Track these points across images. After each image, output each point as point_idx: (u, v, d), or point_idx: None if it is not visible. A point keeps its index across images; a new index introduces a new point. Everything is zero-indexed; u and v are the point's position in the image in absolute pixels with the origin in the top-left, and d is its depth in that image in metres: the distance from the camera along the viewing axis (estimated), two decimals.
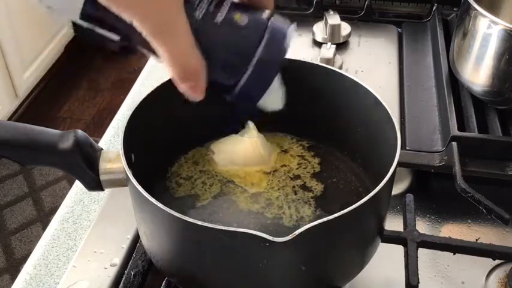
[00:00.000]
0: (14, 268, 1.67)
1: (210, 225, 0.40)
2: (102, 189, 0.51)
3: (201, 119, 0.58)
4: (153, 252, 0.50)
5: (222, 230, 0.40)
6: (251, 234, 0.39)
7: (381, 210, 0.49)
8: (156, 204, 0.42)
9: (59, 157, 0.49)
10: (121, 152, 0.47)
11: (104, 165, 0.50)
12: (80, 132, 0.50)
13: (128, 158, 0.47)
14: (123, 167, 0.46)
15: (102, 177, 0.50)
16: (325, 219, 0.40)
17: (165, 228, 0.45)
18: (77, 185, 0.69)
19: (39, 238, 0.63)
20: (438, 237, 0.56)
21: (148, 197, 0.42)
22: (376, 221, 0.49)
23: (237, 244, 0.41)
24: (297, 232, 0.38)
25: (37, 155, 0.50)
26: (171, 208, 0.42)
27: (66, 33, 2.40)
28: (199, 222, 0.40)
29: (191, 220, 0.40)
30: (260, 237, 0.38)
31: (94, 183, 0.50)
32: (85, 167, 0.49)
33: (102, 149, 0.51)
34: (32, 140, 0.49)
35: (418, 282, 0.51)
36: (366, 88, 0.53)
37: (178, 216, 0.41)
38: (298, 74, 0.56)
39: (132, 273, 0.54)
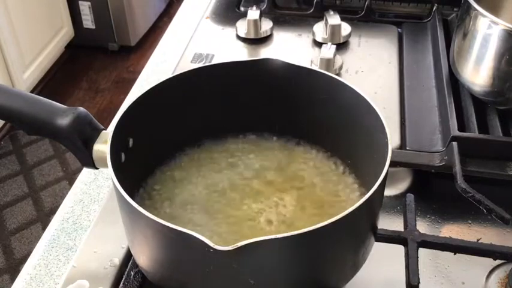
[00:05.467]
0: (13, 268, 1.67)
1: (160, 220, 0.41)
2: (96, 168, 0.53)
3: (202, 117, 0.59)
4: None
5: (171, 228, 0.40)
6: (196, 237, 0.39)
7: (370, 216, 0.49)
8: (119, 188, 0.43)
9: (56, 132, 0.51)
10: (109, 142, 0.48)
11: (98, 146, 0.51)
12: (81, 110, 0.51)
13: (125, 142, 0.49)
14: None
15: (95, 157, 0.51)
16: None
17: (127, 216, 0.47)
18: (77, 185, 0.68)
19: (39, 238, 0.63)
20: (439, 237, 0.56)
21: (114, 178, 0.44)
22: (367, 224, 0.48)
23: (185, 245, 0.41)
24: (239, 244, 0.38)
25: (37, 127, 0.52)
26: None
27: (66, 33, 2.40)
28: (150, 216, 0.41)
29: (147, 214, 0.41)
30: (204, 242, 0.38)
31: (88, 161, 0.52)
32: (80, 144, 0.51)
33: (104, 129, 0.52)
34: (35, 111, 0.51)
35: (419, 282, 0.50)
36: (355, 91, 0.53)
37: (135, 207, 0.42)
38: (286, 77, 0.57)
39: (132, 273, 0.54)
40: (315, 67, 0.79)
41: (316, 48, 0.87)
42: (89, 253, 0.58)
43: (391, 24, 0.94)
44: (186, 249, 0.42)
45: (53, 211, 1.82)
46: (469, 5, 0.68)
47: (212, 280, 0.44)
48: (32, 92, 2.27)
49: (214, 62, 0.84)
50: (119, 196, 0.45)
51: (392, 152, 0.48)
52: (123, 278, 0.54)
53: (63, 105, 0.52)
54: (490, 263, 0.56)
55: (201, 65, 0.58)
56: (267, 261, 0.42)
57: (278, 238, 0.39)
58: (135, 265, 0.55)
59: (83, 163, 0.53)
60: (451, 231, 0.62)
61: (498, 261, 0.56)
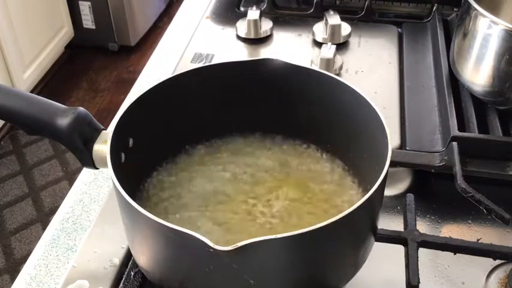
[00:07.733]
0: (13, 268, 1.67)
1: (160, 220, 0.41)
2: (96, 168, 0.53)
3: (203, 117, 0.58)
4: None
5: (171, 228, 0.40)
6: (196, 237, 0.39)
7: (369, 217, 0.49)
8: (119, 188, 0.43)
9: (56, 132, 0.51)
10: (109, 142, 0.48)
11: (98, 146, 0.51)
12: (81, 110, 0.52)
13: (125, 142, 0.49)
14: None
15: (95, 157, 0.51)
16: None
17: (127, 216, 0.47)
18: (77, 185, 0.69)
19: (39, 238, 0.63)
20: (439, 237, 0.56)
21: (114, 178, 0.44)
22: (367, 224, 0.48)
23: (185, 245, 0.41)
24: (239, 244, 0.38)
25: (37, 127, 0.52)
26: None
27: (66, 33, 2.40)
28: (150, 216, 0.41)
29: (147, 214, 0.41)
30: (204, 242, 0.38)
31: (88, 161, 0.52)
32: (80, 144, 0.51)
33: (104, 129, 0.52)
34: (34, 111, 0.51)
35: (419, 282, 0.50)
36: (355, 91, 0.53)
37: (135, 207, 0.42)
38: (285, 77, 0.57)
39: (132, 273, 0.54)
40: (315, 67, 0.79)
41: (316, 48, 0.87)
42: (89, 253, 0.58)
43: (391, 24, 0.94)
44: (186, 249, 0.42)
45: (53, 211, 1.82)
46: (469, 5, 0.68)
47: (212, 280, 0.44)
48: (32, 92, 2.27)
49: (214, 62, 0.84)
50: (119, 196, 0.45)
51: (392, 152, 0.48)
52: (123, 278, 0.54)
53: (63, 105, 0.52)
54: (490, 263, 0.56)
55: (201, 65, 0.58)
56: (267, 261, 0.42)
57: (278, 238, 0.39)
58: (135, 265, 0.55)
59: (83, 163, 0.53)
60: (451, 231, 0.62)
61: (498, 261, 0.56)
